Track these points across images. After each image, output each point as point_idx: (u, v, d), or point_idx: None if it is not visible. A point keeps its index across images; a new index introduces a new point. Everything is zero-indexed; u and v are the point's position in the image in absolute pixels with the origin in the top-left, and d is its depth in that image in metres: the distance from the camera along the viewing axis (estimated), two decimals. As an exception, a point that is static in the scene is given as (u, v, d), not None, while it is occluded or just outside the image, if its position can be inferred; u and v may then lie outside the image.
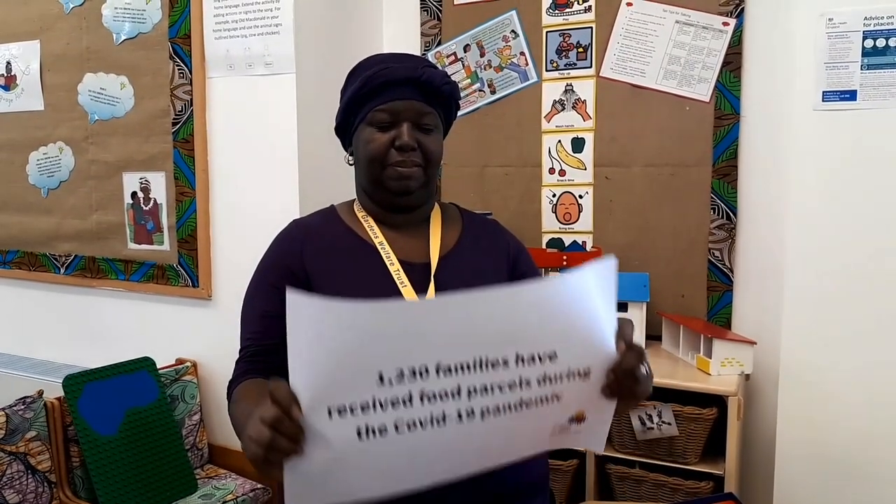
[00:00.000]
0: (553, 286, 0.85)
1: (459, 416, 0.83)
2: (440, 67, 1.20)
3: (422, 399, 0.80)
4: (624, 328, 0.90)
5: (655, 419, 1.93)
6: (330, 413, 0.78)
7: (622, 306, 2.09)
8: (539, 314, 0.83)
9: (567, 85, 2.35)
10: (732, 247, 2.17)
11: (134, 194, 2.53)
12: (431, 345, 0.80)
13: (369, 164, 1.10)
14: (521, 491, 1.07)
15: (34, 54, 2.67)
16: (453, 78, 1.25)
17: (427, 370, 0.80)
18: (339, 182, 1.69)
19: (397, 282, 1.09)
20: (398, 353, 0.79)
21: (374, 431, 0.80)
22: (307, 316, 0.78)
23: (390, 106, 1.05)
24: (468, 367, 0.81)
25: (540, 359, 0.84)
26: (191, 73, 2.35)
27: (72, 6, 2.56)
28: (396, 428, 0.80)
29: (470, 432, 0.84)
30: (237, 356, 1.15)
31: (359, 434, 0.79)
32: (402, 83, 1.06)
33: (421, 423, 0.81)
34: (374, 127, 1.06)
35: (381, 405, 0.79)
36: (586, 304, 0.86)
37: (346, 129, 1.15)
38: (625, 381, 0.89)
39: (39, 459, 1.99)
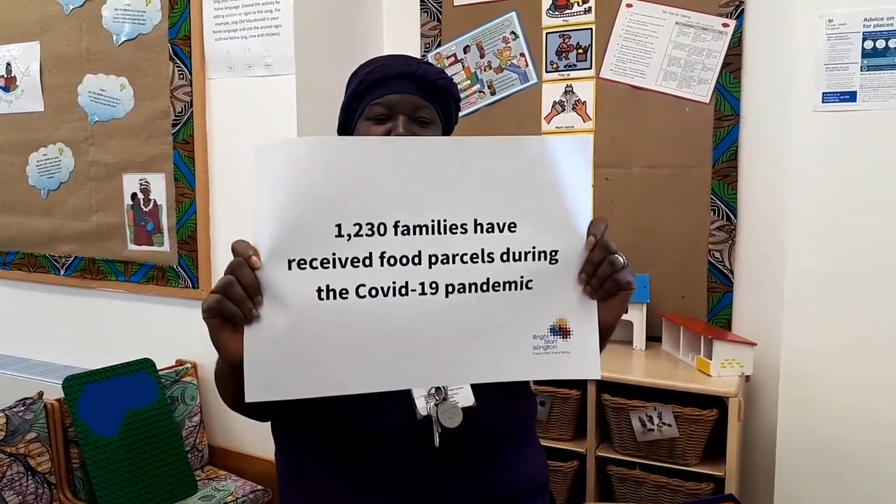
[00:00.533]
0: (514, 141, 0.85)
1: (422, 287, 0.82)
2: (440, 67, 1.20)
3: (381, 261, 0.80)
4: (596, 223, 0.86)
5: (656, 420, 1.93)
6: (290, 265, 0.79)
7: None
8: (497, 169, 0.83)
9: (567, 86, 2.35)
10: (732, 248, 2.17)
11: (134, 195, 2.53)
12: (388, 193, 0.80)
13: None
14: (520, 492, 1.07)
15: (34, 55, 2.67)
16: (454, 79, 1.24)
17: (385, 227, 0.80)
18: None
19: None
20: (355, 199, 0.79)
21: (334, 293, 0.80)
22: (271, 161, 0.79)
23: (386, 99, 1.04)
24: (427, 230, 0.81)
25: (500, 228, 0.83)
26: (191, 74, 2.35)
27: (72, 7, 2.56)
28: (358, 292, 0.80)
29: (436, 313, 0.82)
30: None
31: (319, 293, 0.79)
32: (397, 78, 1.06)
33: (383, 291, 0.81)
34: (370, 121, 1.05)
35: (342, 262, 0.80)
36: (550, 174, 0.84)
37: (346, 129, 1.15)
38: (602, 271, 0.85)
39: (39, 461, 1.99)
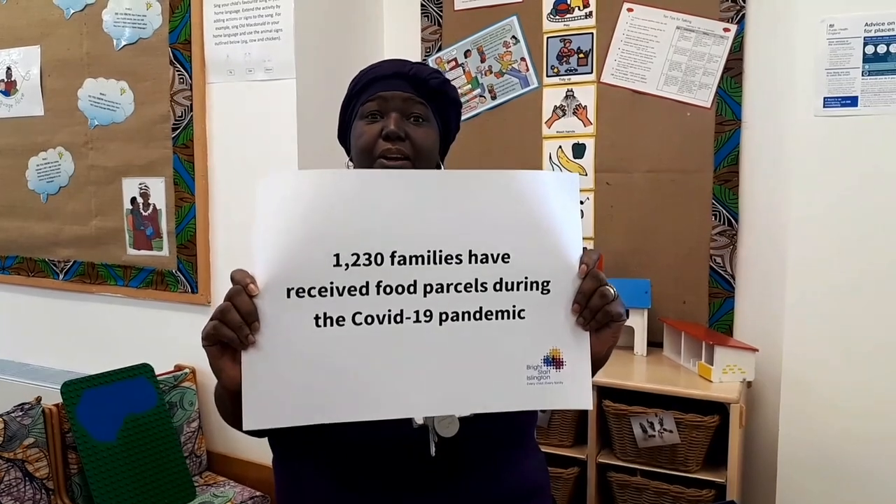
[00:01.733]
0: (507, 176, 0.88)
1: (417, 315, 0.84)
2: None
3: (378, 289, 0.83)
4: (588, 253, 0.89)
5: (657, 426, 1.92)
6: (289, 293, 0.81)
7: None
8: (491, 202, 0.86)
9: (568, 91, 2.34)
10: (734, 253, 2.16)
11: (133, 200, 2.52)
12: (385, 225, 0.83)
13: (359, 157, 1.08)
14: (519, 496, 1.06)
15: (34, 60, 2.67)
16: (454, 84, 1.23)
17: (382, 257, 0.83)
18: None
19: None
20: (353, 230, 0.82)
21: (331, 320, 0.82)
22: (272, 193, 0.82)
23: (378, 97, 1.04)
24: (422, 260, 0.84)
25: (493, 259, 0.86)
26: (191, 78, 2.34)
27: (72, 12, 2.56)
28: (354, 319, 0.83)
29: (431, 340, 0.85)
30: None
31: (316, 321, 0.82)
32: (390, 77, 1.05)
33: (378, 319, 0.83)
34: (364, 120, 1.05)
35: (339, 291, 0.82)
36: (542, 207, 0.87)
37: (344, 131, 1.15)
38: (593, 303, 0.87)
39: (37, 466, 1.98)
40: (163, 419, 2.24)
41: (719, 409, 1.89)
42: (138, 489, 2.10)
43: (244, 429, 0.82)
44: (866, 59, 1.83)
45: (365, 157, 1.06)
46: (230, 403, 0.87)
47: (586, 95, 2.32)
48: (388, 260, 0.83)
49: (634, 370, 2.07)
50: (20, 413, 1.98)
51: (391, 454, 0.96)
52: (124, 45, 2.47)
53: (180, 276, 2.45)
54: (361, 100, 1.06)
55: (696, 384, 1.93)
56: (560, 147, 2.36)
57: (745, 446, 2.11)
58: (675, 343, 2.13)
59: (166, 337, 2.51)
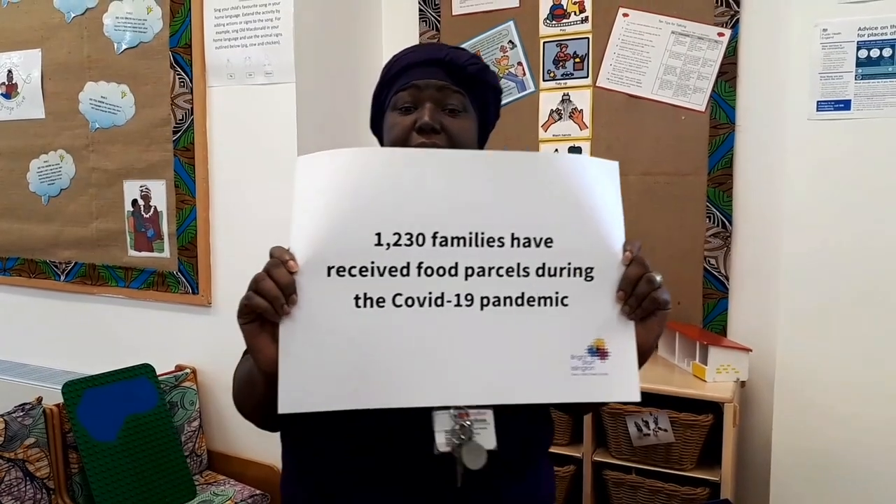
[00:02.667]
0: (550, 158, 0.86)
1: (458, 299, 0.82)
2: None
3: (419, 270, 0.81)
4: (631, 241, 0.85)
5: (652, 425, 1.94)
6: (329, 272, 0.79)
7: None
8: (534, 184, 0.83)
9: (564, 95, 2.37)
10: (728, 254, 2.19)
11: (134, 202, 2.54)
12: (427, 205, 0.81)
13: None
14: None
15: (35, 63, 2.69)
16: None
17: (424, 238, 0.81)
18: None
19: None
20: (396, 208, 0.80)
21: (371, 301, 0.80)
22: (313, 172, 0.80)
23: (411, 86, 0.96)
24: (464, 242, 0.82)
25: (536, 243, 0.83)
26: (191, 81, 2.36)
27: (73, 15, 2.58)
28: (394, 301, 0.80)
29: (471, 325, 0.82)
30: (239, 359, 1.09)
31: (356, 301, 0.79)
32: (424, 64, 0.98)
33: (419, 301, 0.81)
34: (397, 111, 0.98)
35: (380, 271, 0.80)
36: (585, 191, 0.84)
37: (376, 121, 1.07)
38: (640, 289, 0.83)
39: (38, 466, 1.99)
40: (163, 419, 2.25)
41: (713, 408, 1.90)
42: (139, 488, 2.11)
43: (279, 412, 0.77)
44: (859, 63, 1.85)
45: None
46: (262, 387, 0.82)
47: (582, 99, 2.35)
48: (429, 240, 0.81)
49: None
50: (21, 413, 1.99)
51: (414, 484, 0.93)
52: (125, 49, 2.49)
53: (181, 278, 2.47)
54: (394, 89, 0.99)
55: (690, 384, 1.95)
56: (556, 150, 2.38)
57: (739, 445, 2.13)
58: (670, 343, 2.16)
59: (167, 337, 2.53)
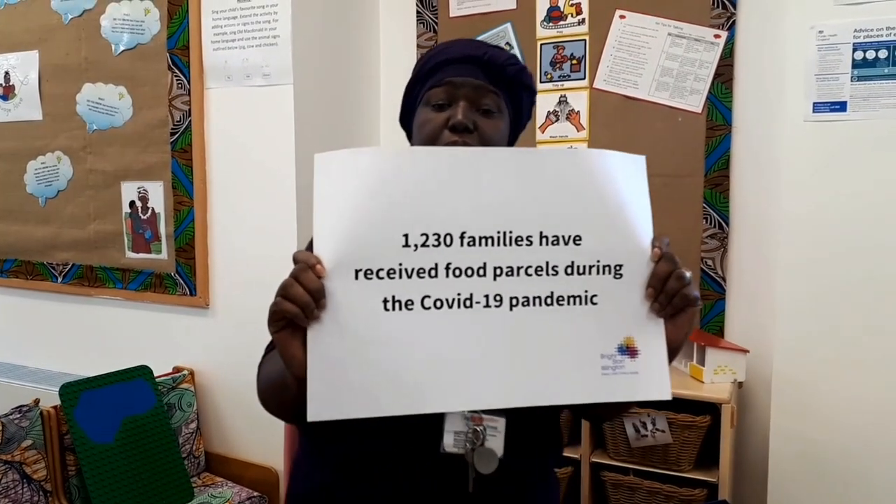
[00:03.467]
0: (576, 154, 0.85)
1: (487, 300, 0.81)
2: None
3: (447, 272, 0.80)
4: (659, 237, 0.84)
5: (649, 427, 1.94)
6: (356, 275, 0.78)
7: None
8: (561, 181, 0.82)
9: (561, 96, 2.37)
10: (725, 256, 2.19)
11: (132, 203, 2.54)
12: (454, 204, 0.80)
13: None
14: None
15: (33, 64, 2.68)
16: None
17: (451, 238, 0.80)
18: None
19: None
20: (423, 208, 0.79)
21: (400, 304, 0.79)
22: (333, 171, 0.79)
23: (447, 83, 0.95)
24: (492, 241, 0.81)
25: (565, 241, 0.82)
26: (189, 83, 2.36)
27: (71, 17, 2.58)
28: (423, 303, 0.79)
29: (501, 326, 0.81)
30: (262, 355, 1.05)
31: (385, 304, 0.78)
32: (461, 61, 0.96)
33: (447, 303, 0.80)
34: (430, 107, 0.96)
35: (408, 273, 0.79)
36: (612, 188, 0.83)
37: (407, 116, 1.05)
38: (670, 286, 0.82)
39: (35, 468, 1.99)
40: (161, 420, 2.25)
41: (711, 409, 1.91)
42: (136, 490, 2.11)
43: (308, 419, 0.76)
44: (855, 64, 1.85)
45: None
46: (295, 389, 0.80)
47: (579, 101, 2.35)
48: (457, 241, 0.80)
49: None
50: (18, 415, 1.99)
51: (421, 482, 0.93)
52: (123, 51, 2.49)
53: (179, 279, 2.47)
54: (428, 84, 0.97)
55: (687, 385, 1.95)
56: (554, 151, 2.38)
57: (737, 446, 2.13)
58: (668, 345, 2.15)
59: (165, 339, 2.52)
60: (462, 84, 0.95)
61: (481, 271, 0.81)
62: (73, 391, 2.09)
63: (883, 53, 1.83)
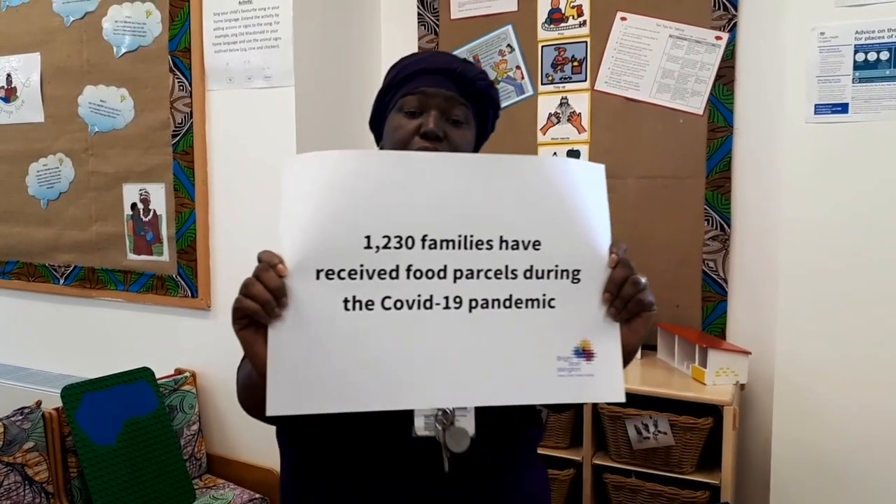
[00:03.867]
0: (537, 162, 0.87)
1: (447, 301, 0.83)
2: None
3: (408, 273, 0.81)
4: (617, 243, 0.87)
5: (651, 429, 1.94)
6: (318, 275, 0.79)
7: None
8: (522, 187, 0.85)
9: (562, 98, 2.37)
10: (726, 257, 2.19)
11: (134, 205, 2.54)
12: (417, 208, 0.81)
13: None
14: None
15: (35, 67, 2.69)
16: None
17: (413, 241, 0.81)
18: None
19: None
20: (385, 211, 0.81)
21: (360, 304, 0.80)
22: (300, 173, 0.81)
23: (420, 91, 0.99)
24: (453, 245, 0.83)
25: (524, 246, 0.85)
26: (191, 85, 2.37)
27: (72, 19, 2.58)
28: (383, 304, 0.81)
29: (460, 328, 0.83)
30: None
31: (345, 304, 0.80)
32: (435, 72, 1.00)
33: (408, 304, 0.82)
34: (402, 113, 1.00)
35: (369, 274, 0.81)
36: (572, 194, 0.86)
37: (378, 121, 1.09)
38: (625, 291, 0.85)
39: (37, 470, 1.99)
40: (163, 422, 2.25)
41: (713, 411, 1.91)
42: (138, 492, 2.11)
43: (266, 414, 0.79)
44: (857, 66, 1.85)
45: None
46: (261, 388, 0.82)
47: (580, 103, 2.35)
48: (418, 243, 0.82)
49: (629, 373, 2.08)
50: (20, 417, 1.99)
51: (398, 469, 0.95)
52: (124, 53, 2.49)
53: (180, 281, 2.47)
54: (402, 91, 1.01)
55: (689, 387, 1.95)
56: (555, 154, 2.39)
57: (739, 448, 2.13)
58: (669, 346, 2.16)
59: (166, 341, 2.52)
60: (435, 94, 0.99)
61: (441, 273, 0.82)
62: (75, 393, 2.09)
63: (885, 55, 1.83)
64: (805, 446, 1.96)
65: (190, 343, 2.48)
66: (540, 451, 1.18)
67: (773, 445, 2.01)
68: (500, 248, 0.84)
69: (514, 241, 0.84)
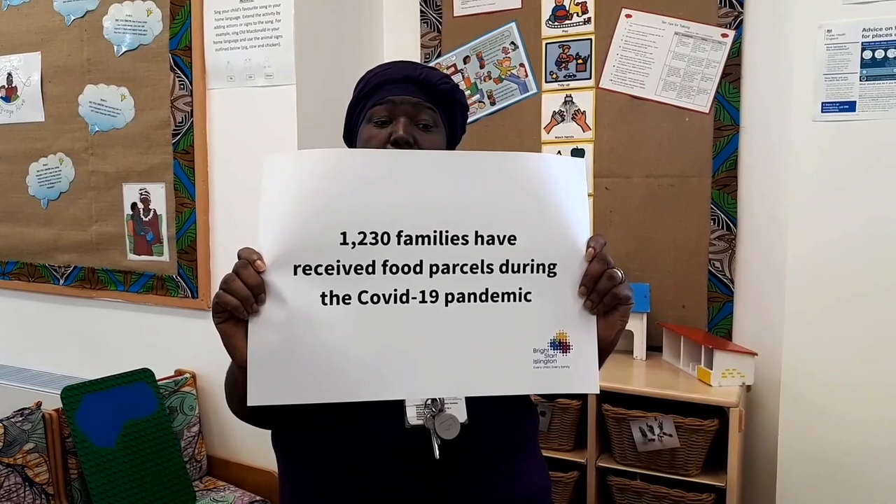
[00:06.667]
0: (514, 157, 0.88)
1: (423, 295, 0.84)
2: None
3: (384, 269, 0.84)
4: (595, 237, 0.88)
5: (656, 431, 1.92)
6: (295, 271, 0.82)
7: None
8: (498, 183, 0.86)
9: (567, 96, 2.35)
10: (733, 257, 2.17)
11: (134, 205, 2.53)
12: (392, 204, 0.84)
13: None
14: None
15: (35, 66, 2.68)
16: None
17: (388, 236, 0.84)
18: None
19: None
20: (360, 209, 0.83)
21: (337, 298, 0.83)
22: (279, 171, 0.83)
23: (387, 101, 1.03)
24: (429, 240, 0.85)
25: (500, 240, 0.86)
26: (191, 84, 2.35)
27: (73, 18, 2.57)
28: (360, 298, 0.83)
29: (436, 321, 0.85)
30: None
31: (323, 298, 0.83)
32: (399, 81, 1.04)
33: (384, 298, 0.84)
34: (372, 124, 1.04)
35: (346, 269, 0.83)
36: (549, 189, 0.87)
37: (351, 133, 1.13)
38: (601, 285, 0.86)
39: (37, 471, 1.98)
40: (163, 424, 2.24)
41: (718, 413, 1.89)
42: (138, 494, 2.10)
43: (248, 404, 0.81)
44: (864, 64, 1.84)
45: None
46: (243, 384, 0.85)
47: (585, 101, 2.33)
48: (394, 239, 0.84)
49: (634, 374, 2.07)
50: (20, 418, 1.98)
51: (388, 457, 0.96)
52: (125, 52, 2.48)
53: (181, 281, 2.46)
54: (370, 103, 1.05)
55: (695, 388, 1.93)
56: (559, 152, 2.37)
57: (745, 450, 2.11)
58: (675, 347, 2.14)
59: (167, 342, 2.51)
60: (401, 102, 1.03)
61: (418, 269, 0.85)
62: (75, 394, 2.08)
63: (892, 53, 1.82)
64: (812, 448, 1.94)
65: (190, 344, 2.47)
66: (544, 453, 1.17)
67: (779, 447, 1.99)
68: (476, 242, 0.86)
69: (489, 235, 0.86)
